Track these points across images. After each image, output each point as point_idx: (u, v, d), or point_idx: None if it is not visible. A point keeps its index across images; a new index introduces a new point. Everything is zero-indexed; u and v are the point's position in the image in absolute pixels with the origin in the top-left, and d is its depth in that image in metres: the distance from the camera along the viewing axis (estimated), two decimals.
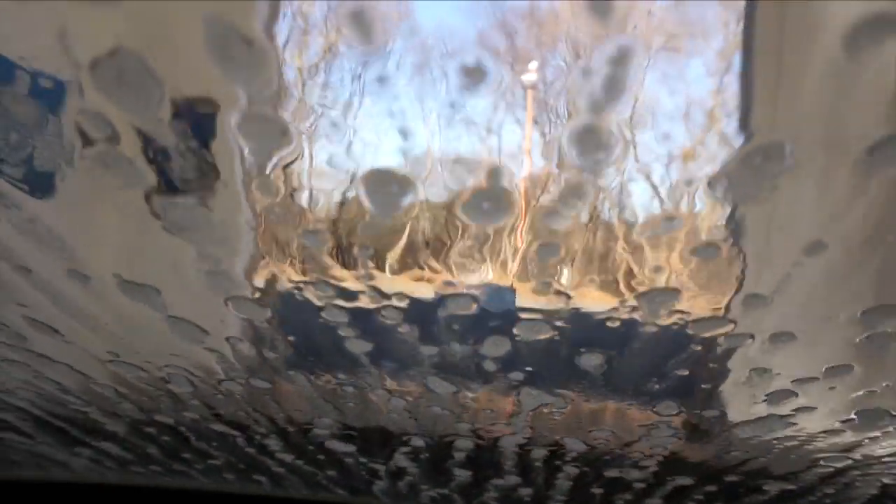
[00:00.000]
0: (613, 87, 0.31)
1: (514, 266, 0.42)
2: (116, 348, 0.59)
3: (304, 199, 0.40)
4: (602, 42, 0.30)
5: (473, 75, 0.32)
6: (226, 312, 0.50)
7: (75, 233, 0.45)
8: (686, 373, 0.51)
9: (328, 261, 0.44)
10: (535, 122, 0.34)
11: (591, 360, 0.51)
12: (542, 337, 0.48)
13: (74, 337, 0.58)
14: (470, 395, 0.57)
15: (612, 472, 0.71)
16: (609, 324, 0.46)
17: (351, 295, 0.46)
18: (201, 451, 0.83)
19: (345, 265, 0.44)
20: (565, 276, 0.42)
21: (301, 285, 0.46)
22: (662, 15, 0.29)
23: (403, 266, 0.43)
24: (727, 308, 0.43)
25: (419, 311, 0.47)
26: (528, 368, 0.52)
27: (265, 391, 0.63)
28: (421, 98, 0.34)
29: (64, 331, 0.57)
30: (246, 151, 0.37)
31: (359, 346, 0.52)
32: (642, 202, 0.37)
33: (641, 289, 0.42)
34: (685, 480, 0.71)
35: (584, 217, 0.38)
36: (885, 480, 0.63)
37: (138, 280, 0.48)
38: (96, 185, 0.40)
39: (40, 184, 0.41)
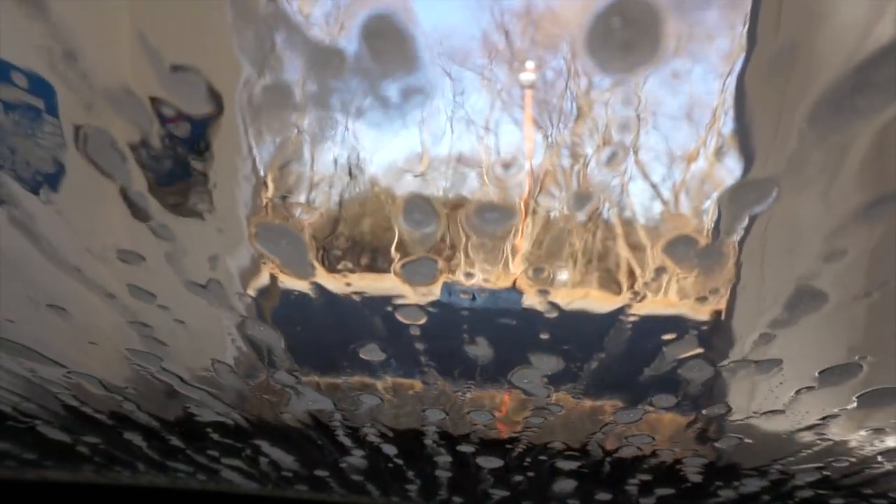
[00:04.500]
0: (615, 87, 0.31)
1: (516, 266, 0.42)
2: (116, 347, 0.59)
3: (303, 198, 0.40)
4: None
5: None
6: (225, 313, 0.50)
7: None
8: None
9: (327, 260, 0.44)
10: (536, 123, 0.34)
11: (591, 359, 0.51)
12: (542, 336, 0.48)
13: (73, 335, 0.58)
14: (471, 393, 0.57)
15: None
16: (610, 323, 0.46)
17: (351, 294, 0.46)
18: (201, 450, 0.83)
19: (343, 265, 0.43)
20: (566, 276, 0.42)
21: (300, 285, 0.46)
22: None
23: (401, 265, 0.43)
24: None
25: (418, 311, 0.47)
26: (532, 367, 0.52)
27: (264, 390, 0.63)
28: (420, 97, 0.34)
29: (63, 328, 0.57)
30: (246, 150, 0.37)
31: (362, 348, 0.52)
32: (643, 202, 0.37)
33: (643, 288, 0.42)
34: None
35: (585, 217, 0.38)
36: None
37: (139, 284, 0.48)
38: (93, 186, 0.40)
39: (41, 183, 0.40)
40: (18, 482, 1.03)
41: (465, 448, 0.72)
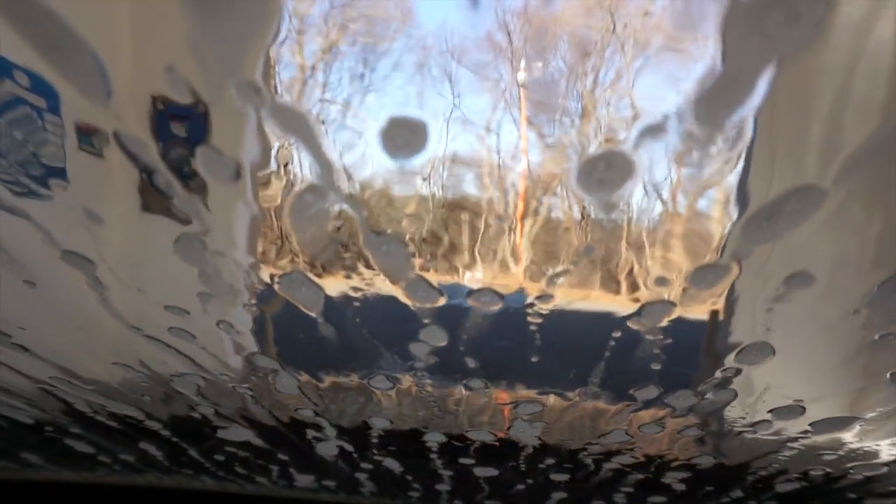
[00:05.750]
0: (612, 86, 0.31)
1: (518, 266, 0.42)
2: (117, 347, 0.59)
3: (304, 198, 0.40)
4: (601, 42, 0.30)
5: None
6: (226, 312, 0.50)
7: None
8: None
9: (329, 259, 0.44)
10: (530, 122, 0.34)
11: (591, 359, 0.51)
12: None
13: (74, 335, 0.58)
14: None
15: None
16: (609, 322, 0.46)
17: (353, 294, 0.46)
18: (202, 451, 0.83)
19: (345, 265, 0.43)
20: (566, 276, 0.42)
21: (301, 284, 0.46)
22: (661, 15, 0.29)
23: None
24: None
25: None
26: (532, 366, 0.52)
27: (262, 391, 0.63)
28: (420, 97, 0.34)
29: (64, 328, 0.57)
30: (246, 150, 0.37)
31: (363, 346, 0.52)
32: (642, 202, 0.37)
33: (642, 288, 0.42)
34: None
35: (582, 216, 0.38)
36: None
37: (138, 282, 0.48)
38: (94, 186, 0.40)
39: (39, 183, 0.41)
40: (19, 482, 1.03)
41: (466, 460, 0.72)
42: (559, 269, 0.42)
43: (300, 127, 0.35)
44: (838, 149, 0.31)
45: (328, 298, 0.46)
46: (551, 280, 0.42)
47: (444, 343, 0.50)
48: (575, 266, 0.41)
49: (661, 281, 0.41)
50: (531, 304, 0.45)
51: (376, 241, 0.41)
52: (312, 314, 0.49)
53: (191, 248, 0.44)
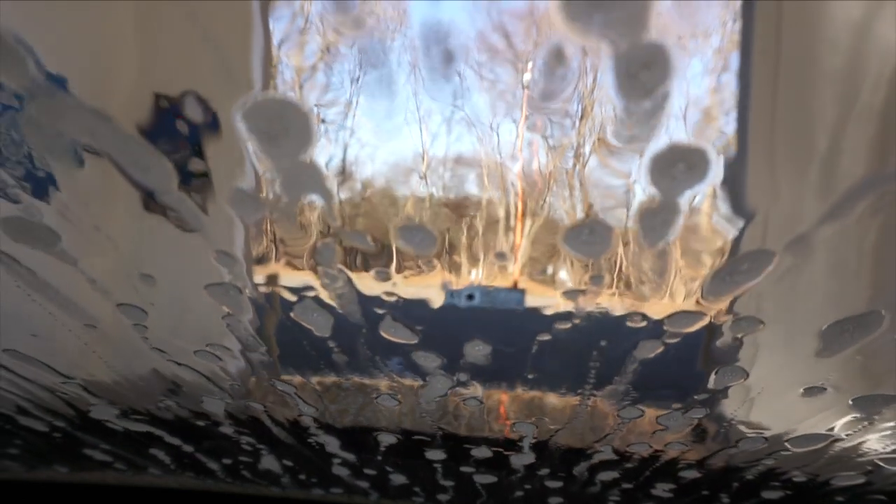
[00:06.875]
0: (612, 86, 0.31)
1: (517, 265, 0.42)
2: (118, 347, 0.59)
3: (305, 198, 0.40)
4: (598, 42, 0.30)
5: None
6: (228, 313, 0.50)
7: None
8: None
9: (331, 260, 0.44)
10: (527, 120, 0.34)
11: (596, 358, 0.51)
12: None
13: (75, 334, 0.58)
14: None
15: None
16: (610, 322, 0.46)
17: (353, 294, 0.46)
18: (203, 451, 0.83)
19: (347, 265, 0.44)
20: (566, 275, 0.42)
21: (303, 285, 0.46)
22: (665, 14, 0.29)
23: (404, 265, 0.43)
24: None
25: (419, 311, 0.47)
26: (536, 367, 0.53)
27: (264, 391, 0.63)
28: (419, 97, 0.34)
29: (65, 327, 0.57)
30: (247, 151, 0.37)
31: (364, 347, 0.53)
32: (640, 201, 0.37)
33: (640, 287, 0.42)
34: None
35: (582, 216, 0.38)
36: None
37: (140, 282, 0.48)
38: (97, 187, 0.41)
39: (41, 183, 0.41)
40: (19, 482, 1.03)
41: (467, 468, 0.73)
42: (570, 286, 0.42)
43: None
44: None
45: (336, 319, 0.48)
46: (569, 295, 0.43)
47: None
48: (588, 288, 0.42)
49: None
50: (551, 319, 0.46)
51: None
52: (324, 335, 0.50)
53: (225, 294, 0.47)
